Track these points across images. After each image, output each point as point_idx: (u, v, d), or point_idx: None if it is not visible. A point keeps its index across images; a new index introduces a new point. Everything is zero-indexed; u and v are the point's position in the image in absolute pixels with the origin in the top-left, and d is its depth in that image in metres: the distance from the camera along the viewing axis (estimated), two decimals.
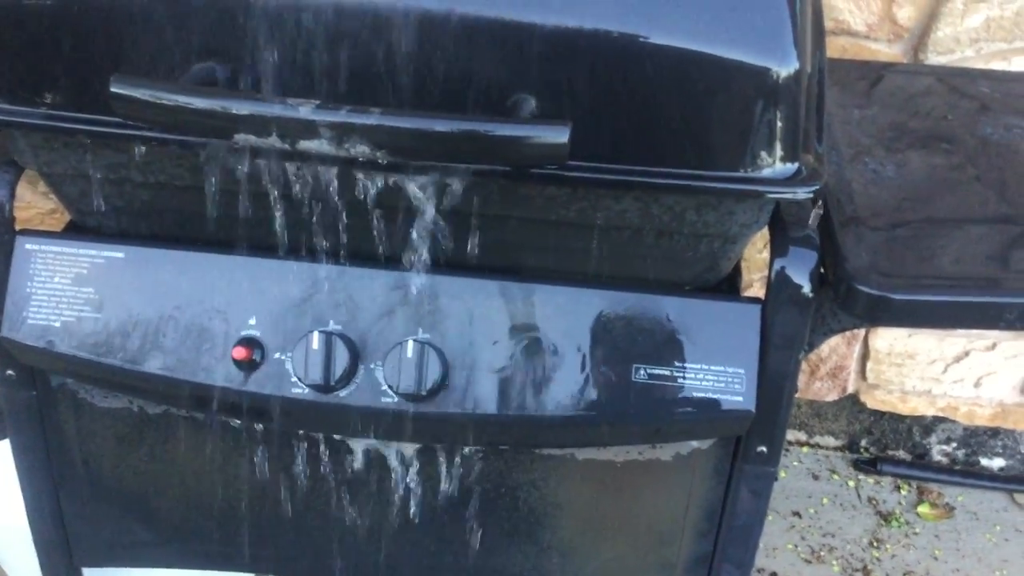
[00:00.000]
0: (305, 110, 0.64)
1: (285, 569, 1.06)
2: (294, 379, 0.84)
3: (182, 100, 0.66)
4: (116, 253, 0.87)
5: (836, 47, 1.40)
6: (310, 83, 0.71)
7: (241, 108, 0.65)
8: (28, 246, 0.88)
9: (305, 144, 0.65)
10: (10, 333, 0.87)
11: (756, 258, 1.54)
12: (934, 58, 1.40)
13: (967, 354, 1.66)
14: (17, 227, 0.89)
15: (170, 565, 1.09)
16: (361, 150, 0.65)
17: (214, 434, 0.94)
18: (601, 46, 0.69)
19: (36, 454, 0.99)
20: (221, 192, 0.80)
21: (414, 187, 0.76)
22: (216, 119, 0.66)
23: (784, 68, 0.70)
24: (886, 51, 1.41)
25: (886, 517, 1.73)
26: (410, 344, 0.82)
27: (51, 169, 0.83)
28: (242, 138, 0.66)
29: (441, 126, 0.64)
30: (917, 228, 0.87)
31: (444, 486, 0.94)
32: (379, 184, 0.76)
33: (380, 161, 0.66)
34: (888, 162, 0.95)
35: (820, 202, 0.80)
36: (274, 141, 0.65)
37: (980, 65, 1.39)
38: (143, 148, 0.78)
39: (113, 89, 0.67)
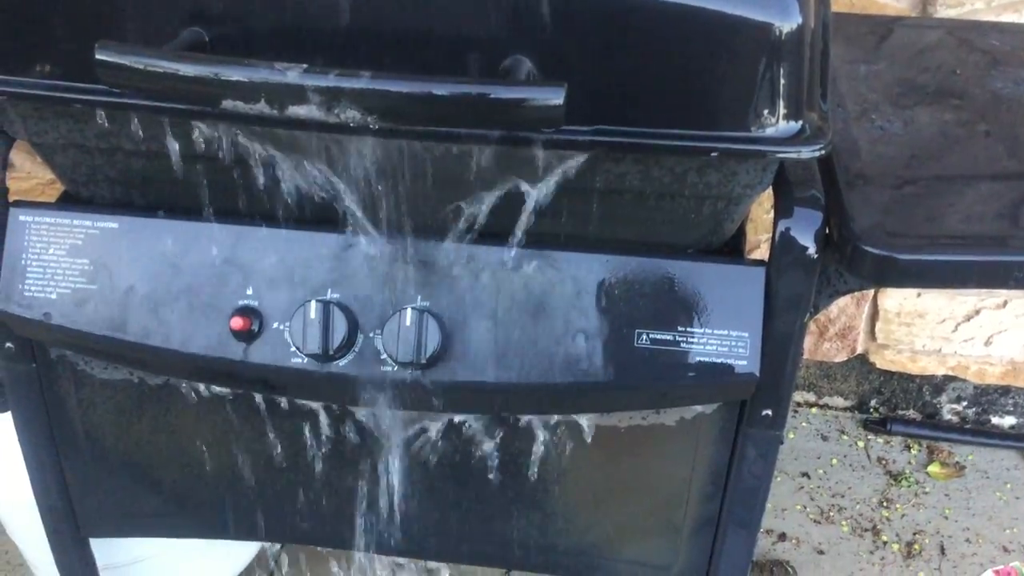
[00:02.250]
0: (293, 74, 0.63)
1: (291, 538, 1.06)
2: (293, 349, 0.84)
3: (167, 66, 0.64)
4: (110, 223, 0.86)
5: (843, 1, 1.38)
6: (300, 48, 0.70)
7: (228, 74, 0.63)
8: (22, 217, 0.87)
9: (294, 110, 0.64)
10: (6, 306, 0.87)
11: (763, 219, 1.52)
12: (944, 11, 1.38)
13: (978, 312, 1.64)
14: (11, 198, 0.88)
15: (177, 535, 1.09)
16: (351, 115, 0.63)
17: (215, 404, 0.94)
18: (597, 3, 0.67)
19: (38, 426, 0.99)
20: (214, 160, 0.79)
21: (409, 152, 0.75)
22: (203, 85, 0.64)
23: (786, 23, 0.68)
24: (895, 4, 1.39)
25: (896, 477, 1.73)
26: (408, 312, 0.81)
27: (41, 139, 0.82)
28: (230, 104, 0.64)
29: (432, 89, 0.63)
30: (925, 186, 0.85)
31: (446, 454, 0.94)
32: (373, 149, 0.75)
33: (372, 126, 0.64)
34: (896, 119, 0.93)
35: None
36: (263, 107, 0.64)
37: (991, 18, 1.36)
38: (132, 116, 0.77)
39: (98, 56, 0.65)
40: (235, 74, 0.64)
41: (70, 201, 0.89)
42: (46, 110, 0.79)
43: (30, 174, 1.56)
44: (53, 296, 0.86)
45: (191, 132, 0.76)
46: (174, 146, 0.78)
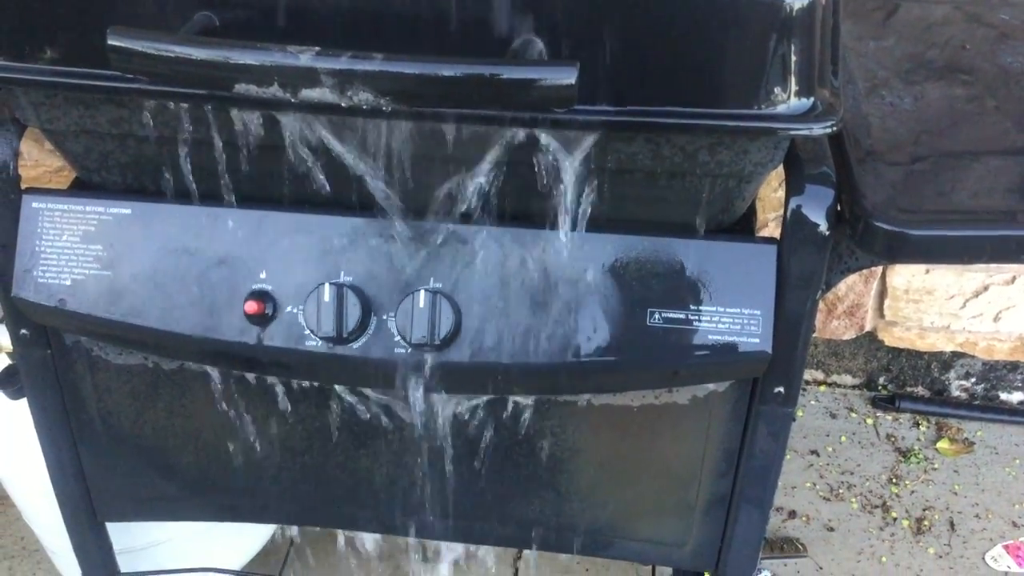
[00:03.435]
0: (306, 57, 0.63)
1: (305, 520, 1.07)
2: (307, 332, 0.84)
3: (179, 51, 0.64)
4: (123, 209, 0.86)
5: None
6: (312, 31, 0.70)
7: (240, 58, 0.64)
8: (35, 204, 0.87)
9: (307, 93, 0.64)
10: (21, 292, 0.87)
11: (771, 197, 1.52)
12: None
13: (986, 288, 1.64)
14: (23, 185, 0.88)
15: (193, 518, 1.10)
16: (364, 97, 0.63)
17: (230, 388, 0.95)
18: None
19: (54, 412, 0.99)
20: (226, 145, 0.79)
21: (421, 134, 0.75)
22: (215, 70, 0.64)
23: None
24: None
25: (905, 454, 1.73)
26: (421, 294, 0.81)
27: (53, 126, 0.82)
28: (243, 88, 0.64)
29: (444, 70, 0.63)
30: (935, 162, 0.85)
31: (460, 435, 0.94)
32: (385, 132, 0.75)
33: (384, 108, 0.64)
34: (905, 95, 0.93)
35: None
36: (275, 91, 0.64)
37: None
38: (145, 102, 0.77)
39: (110, 42, 0.65)
40: (247, 58, 0.64)
41: (82, 188, 0.90)
42: (58, 97, 0.79)
43: (38, 162, 1.56)
44: (67, 282, 0.87)
45: (204, 117, 0.76)
46: (187, 131, 0.78)
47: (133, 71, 0.68)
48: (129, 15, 0.72)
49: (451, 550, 1.44)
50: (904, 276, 1.65)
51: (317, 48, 0.63)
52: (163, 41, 0.65)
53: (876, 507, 1.65)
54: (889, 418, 1.80)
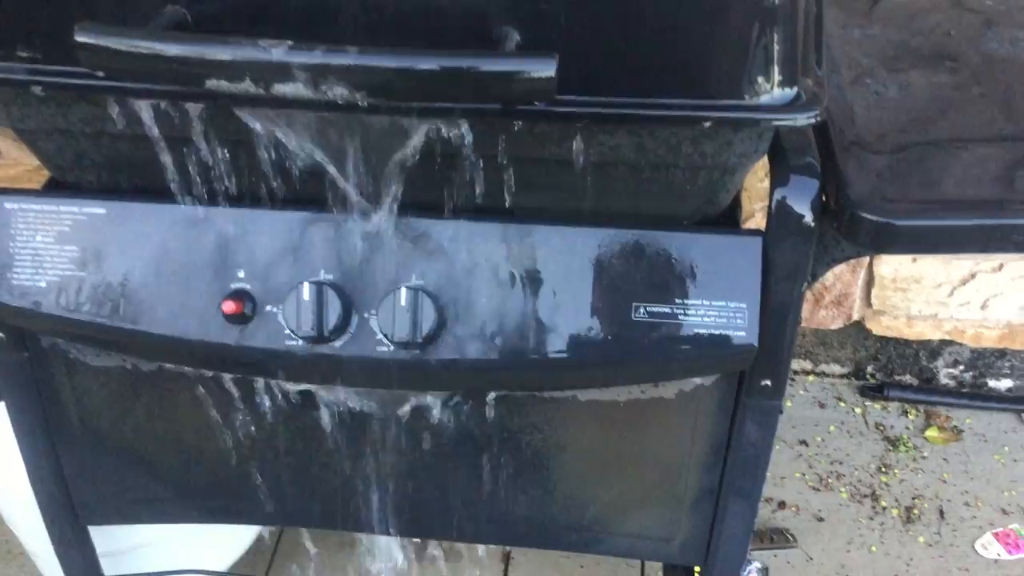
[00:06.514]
0: (278, 52, 0.61)
1: (290, 521, 1.06)
2: (287, 331, 0.83)
3: (149, 47, 0.63)
4: (97, 209, 0.84)
5: None
6: (285, 24, 0.68)
7: (211, 53, 0.62)
8: (7, 205, 0.86)
9: (280, 88, 0.62)
10: None
11: (758, 187, 1.51)
12: None
13: (973, 276, 1.64)
14: None
15: (176, 520, 1.09)
16: (339, 92, 0.62)
17: (210, 388, 0.93)
18: None
19: (32, 415, 0.98)
20: (201, 141, 0.78)
21: (399, 129, 0.73)
22: (186, 65, 0.63)
23: None
24: None
25: (894, 442, 1.73)
26: (403, 291, 0.80)
27: (24, 125, 0.81)
28: (214, 84, 0.63)
29: (421, 64, 0.61)
30: (921, 151, 0.84)
31: (446, 432, 0.93)
32: (363, 127, 0.73)
33: (360, 103, 0.63)
34: (890, 83, 0.92)
35: None
36: (248, 87, 0.63)
37: None
38: (116, 99, 0.75)
39: (78, 38, 0.64)
40: (219, 53, 0.62)
41: (56, 187, 0.88)
42: (27, 95, 0.77)
43: (17, 160, 1.54)
44: (42, 284, 0.85)
45: (176, 113, 0.75)
46: (159, 128, 0.77)
47: (102, 68, 0.66)
48: (96, 10, 0.70)
49: (439, 547, 1.43)
50: (891, 265, 1.65)
51: (290, 42, 0.62)
52: (132, 37, 0.64)
53: (865, 496, 1.65)
54: (878, 407, 1.80)
